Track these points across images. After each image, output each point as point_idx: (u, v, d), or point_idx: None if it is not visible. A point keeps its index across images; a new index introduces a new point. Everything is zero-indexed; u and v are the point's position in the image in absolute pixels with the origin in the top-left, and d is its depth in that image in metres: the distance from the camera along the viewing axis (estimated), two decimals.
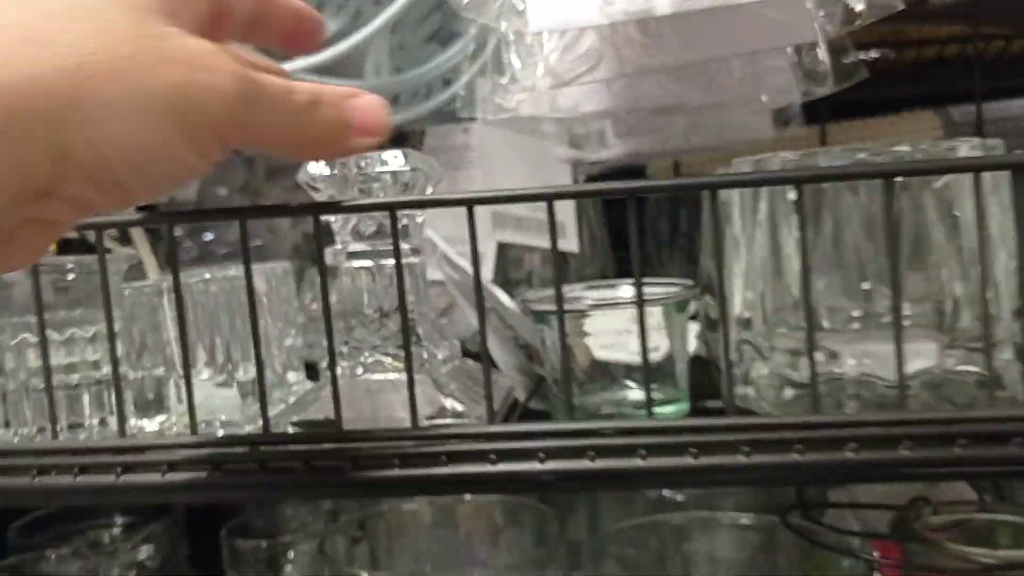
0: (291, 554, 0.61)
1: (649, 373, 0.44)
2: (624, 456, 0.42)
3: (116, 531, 0.75)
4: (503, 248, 0.75)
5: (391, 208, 0.44)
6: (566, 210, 0.77)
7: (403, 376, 0.45)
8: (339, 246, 0.51)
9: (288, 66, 0.66)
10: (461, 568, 0.61)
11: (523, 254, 0.79)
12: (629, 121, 0.69)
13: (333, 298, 0.61)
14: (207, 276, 0.50)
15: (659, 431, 0.43)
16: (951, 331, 0.44)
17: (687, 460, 0.42)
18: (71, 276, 0.55)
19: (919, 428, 0.41)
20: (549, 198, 0.42)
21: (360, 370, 0.49)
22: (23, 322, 0.53)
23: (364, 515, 0.62)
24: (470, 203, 0.43)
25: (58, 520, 0.76)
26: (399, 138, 0.95)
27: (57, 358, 0.49)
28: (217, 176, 0.85)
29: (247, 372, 0.49)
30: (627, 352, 0.51)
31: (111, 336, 0.47)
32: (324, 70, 0.66)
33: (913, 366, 0.43)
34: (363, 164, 0.48)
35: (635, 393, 0.50)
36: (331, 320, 0.45)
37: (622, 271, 0.88)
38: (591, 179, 0.84)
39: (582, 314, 0.50)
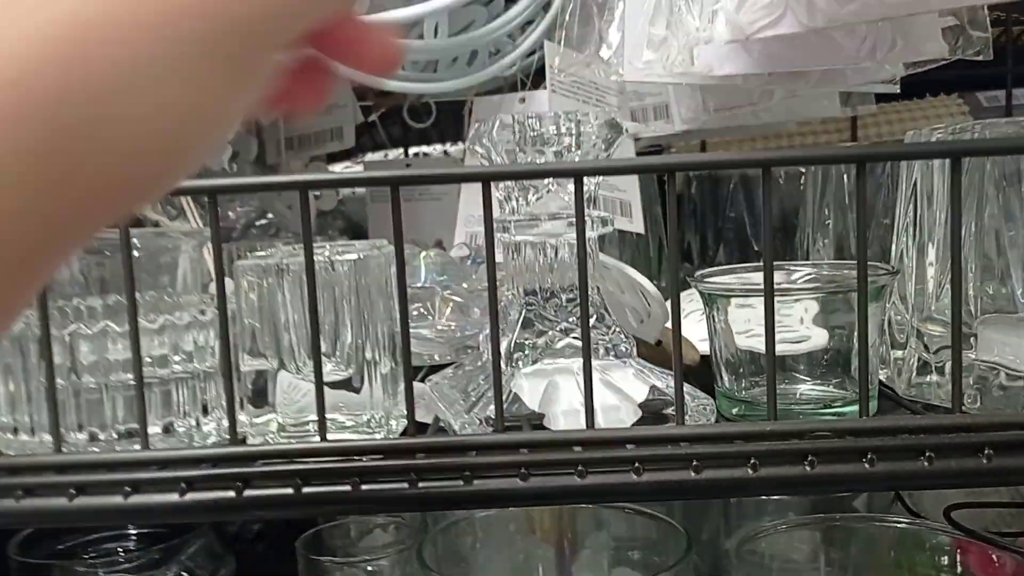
0: (370, 568, 0.54)
1: (866, 368, 0.39)
2: (848, 460, 0.38)
3: (130, 544, 0.66)
4: None
5: (579, 174, 0.38)
6: (632, 191, 0.72)
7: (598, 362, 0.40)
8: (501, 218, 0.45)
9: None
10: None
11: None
12: (728, 93, 0.64)
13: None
14: (325, 253, 0.42)
15: (886, 431, 0.38)
16: None
17: (919, 465, 0.37)
18: (137, 254, 0.47)
19: None
20: (579, 174, 0.37)
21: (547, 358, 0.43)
22: (74, 307, 0.45)
23: (449, 523, 0.55)
24: (579, 174, 0.38)
25: (60, 533, 0.67)
26: (425, 110, 0.88)
27: (147, 349, 0.41)
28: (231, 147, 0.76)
29: (383, 365, 0.42)
30: (786, 342, 0.46)
31: (223, 324, 0.39)
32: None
33: None
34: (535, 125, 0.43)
35: (804, 387, 0.45)
36: (496, 299, 0.38)
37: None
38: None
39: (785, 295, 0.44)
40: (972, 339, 0.42)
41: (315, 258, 0.40)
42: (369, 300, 0.42)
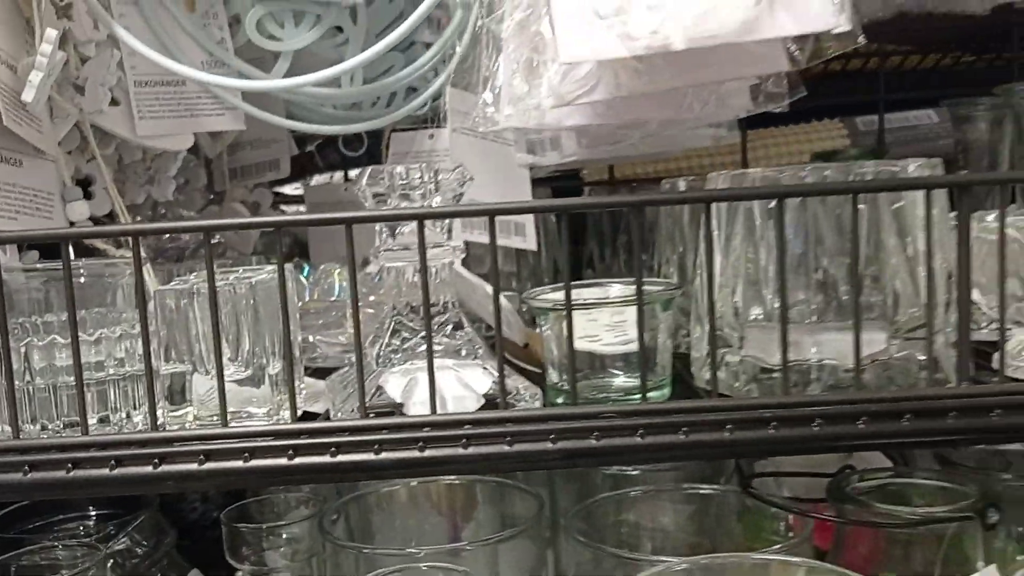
0: (284, 535, 0.65)
1: (644, 361, 0.50)
2: (625, 435, 0.49)
3: (91, 523, 0.77)
4: (468, 246, 0.80)
5: (347, 223, 0.49)
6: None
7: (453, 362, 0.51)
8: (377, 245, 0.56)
9: (289, 81, 0.70)
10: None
11: (484, 251, 0.84)
12: (595, 132, 0.75)
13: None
14: (231, 278, 0.53)
15: (655, 412, 0.49)
16: (895, 323, 0.51)
17: (679, 438, 0.49)
18: (83, 279, 0.58)
19: (874, 406, 0.48)
20: (566, 209, 0.48)
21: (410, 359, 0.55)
22: (32, 323, 0.56)
23: (352, 497, 0.67)
24: (421, 217, 0.49)
25: (27, 514, 0.77)
26: (358, 140, 0.99)
27: (86, 356, 0.52)
28: (177, 175, 0.87)
29: (274, 367, 0.53)
30: (609, 344, 0.57)
31: (145, 334, 0.50)
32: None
33: (865, 352, 0.50)
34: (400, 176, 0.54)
35: (619, 380, 0.57)
36: (359, 319, 0.50)
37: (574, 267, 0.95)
38: (537, 182, 0.91)
39: (584, 309, 0.55)
40: (741, 339, 0.54)
41: (220, 282, 0.51)
42: (263, 315, 0.53)
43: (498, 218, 0.82)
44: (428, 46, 0.84)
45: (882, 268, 0.52)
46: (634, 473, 0.75)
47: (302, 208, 1.16)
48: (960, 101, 0.92)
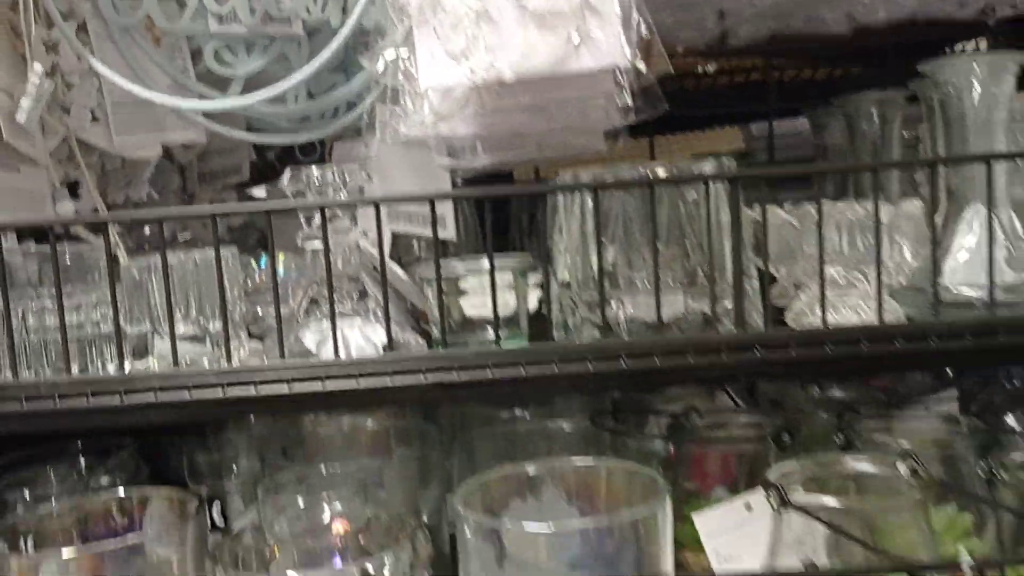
0: (235, 466, 0.80)
1: (499, 319, 0.65)
2: (479, 370, 0.64)
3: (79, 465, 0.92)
4: (396, 237, 0.96)
5: (322, 207, 0.65)
6: (446, 207, 0.98)
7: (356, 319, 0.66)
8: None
9: (240, 100, 0.86)
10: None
11: (412, 241, 1.00)
12: (493, 141, 0.90)
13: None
14: (183, 256, 0.69)
15: (502, 353, 0.64)
16: (690, 288, 0.67)
17: (520, 371, 0.64)
18: (67, 259, 0.74)
19: (665, 347, 0.64)
20: (432, 199, 0.64)
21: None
22: (28, 293, 0.72)
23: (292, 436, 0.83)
24: (376, 202, 0.64)
25: (28, 461, 0.92)
26: (310, 149, 1.15)
27: (69, 319, 0.68)
28: (156, 179, 1.02)
29: (214, 327, 0.68)
30: (475, 307, 0.72)
31: (114, 300, 0.65)
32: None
33: (666, 312, 0.65)
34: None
35: (490, 335, 0.72)
36: (277, 288, 0.65)
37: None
38: (467, 182, 1.06)
39: (454, 281, 0.71)
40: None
41: (171, 260, 0.66)
42: (205, 287, 0.69)
43: (422, 211, 0.98)
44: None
45: (685, 246, 0.67)
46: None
47: None
48: (816, 111, 1.07)
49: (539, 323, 0.74)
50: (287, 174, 0.73)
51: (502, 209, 1.12)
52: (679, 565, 0.71)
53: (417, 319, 0.82)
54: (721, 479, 0.78)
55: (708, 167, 0.68)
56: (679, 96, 0.93)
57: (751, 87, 1.25)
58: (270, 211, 0.66)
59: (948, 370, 0.89)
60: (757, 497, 0.69)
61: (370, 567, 0.62)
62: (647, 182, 0.64)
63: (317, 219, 0.72)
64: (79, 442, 0.89)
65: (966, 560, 0.55)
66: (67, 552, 0.66)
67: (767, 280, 0.67)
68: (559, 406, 0.88)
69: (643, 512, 0.62)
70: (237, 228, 1.18)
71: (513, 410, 0.86)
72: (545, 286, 0.68)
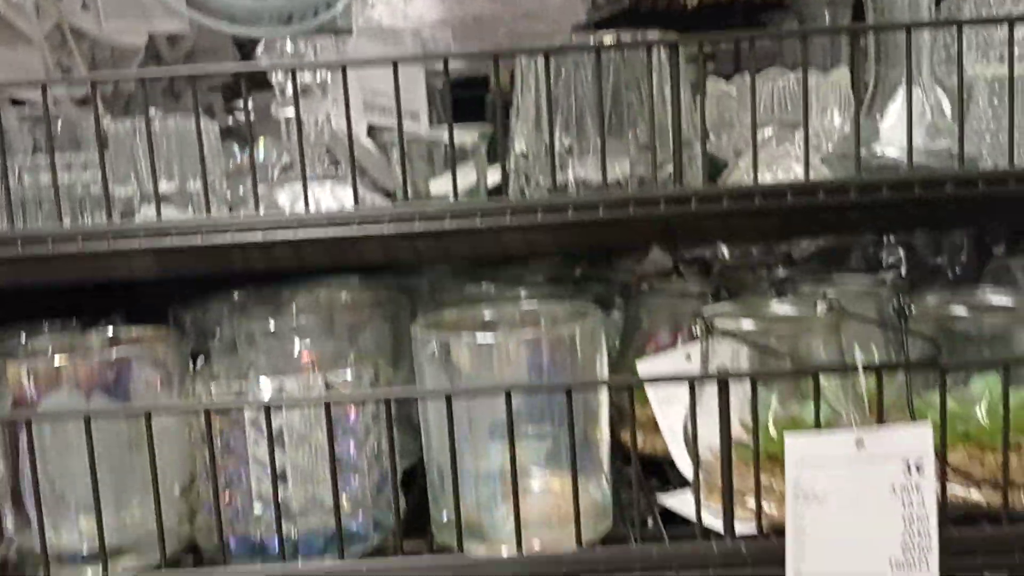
0: (218, 330, 0.87)
1: (454, 176, 0.71)
2: (436, 221, 0.70)
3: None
4: (372, 130, 1.01)
5: (293, 69, 0.70)
6: (419, 100, 1.03)
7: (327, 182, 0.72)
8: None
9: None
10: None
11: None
12: (461, 29, 0.95)
13: None
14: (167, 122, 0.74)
15: (462, 207, 0.70)
16: (637, 154, 0.72)
17: (475, 221, 0.70)
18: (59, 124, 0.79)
19: (620, 202, 0.69)
20: (395, 61, 0.69)
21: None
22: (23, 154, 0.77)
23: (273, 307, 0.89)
24: (343, 64, 0.70)
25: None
26: None
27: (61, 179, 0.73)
28: None
29: (193, 186, 0.74)
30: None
31: (101, 159, 0.71)
32: None
33: (612, 173, 0.71)
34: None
35: None
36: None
37: None
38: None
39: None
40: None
41: (155, 127, 0.72)
42: (189, 152, 0.74)
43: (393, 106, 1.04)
44: None
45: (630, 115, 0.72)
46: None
47: None
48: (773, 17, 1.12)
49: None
50: (261, 46, 0.79)
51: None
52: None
53: (387, 194, 0.88)
54: (670, 342, 0.85)
55: (652, 35, 0.73)
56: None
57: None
58: (244, 72, 0.71)
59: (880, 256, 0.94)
60: (695, 348, 0.75)
61: (335, 379, 0.68)
62: (594, 47, 0.69)
63: (290, 90, 0.78)
64: (73, 317, 0.95)
65: (859, 358, 0.62)
66: (58, 359, 0.72)
67: (705, 140, 0.72)
68: (526, 280, 0.94)
69: (578, 327, 0.69)
70: (224, 131, 1.23)
71: (480, 284, 0.91)
72: (503, 153, 0.74)
